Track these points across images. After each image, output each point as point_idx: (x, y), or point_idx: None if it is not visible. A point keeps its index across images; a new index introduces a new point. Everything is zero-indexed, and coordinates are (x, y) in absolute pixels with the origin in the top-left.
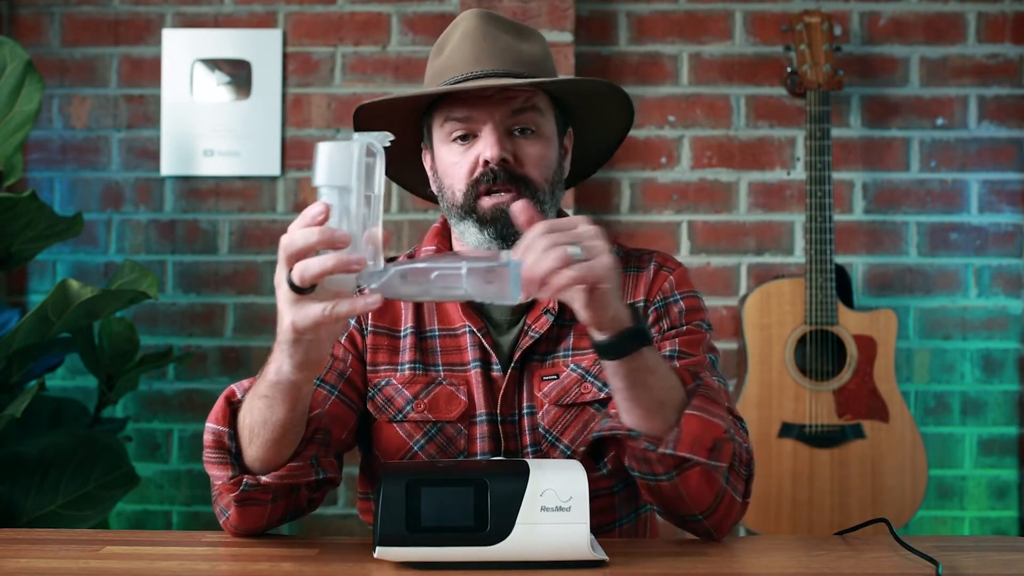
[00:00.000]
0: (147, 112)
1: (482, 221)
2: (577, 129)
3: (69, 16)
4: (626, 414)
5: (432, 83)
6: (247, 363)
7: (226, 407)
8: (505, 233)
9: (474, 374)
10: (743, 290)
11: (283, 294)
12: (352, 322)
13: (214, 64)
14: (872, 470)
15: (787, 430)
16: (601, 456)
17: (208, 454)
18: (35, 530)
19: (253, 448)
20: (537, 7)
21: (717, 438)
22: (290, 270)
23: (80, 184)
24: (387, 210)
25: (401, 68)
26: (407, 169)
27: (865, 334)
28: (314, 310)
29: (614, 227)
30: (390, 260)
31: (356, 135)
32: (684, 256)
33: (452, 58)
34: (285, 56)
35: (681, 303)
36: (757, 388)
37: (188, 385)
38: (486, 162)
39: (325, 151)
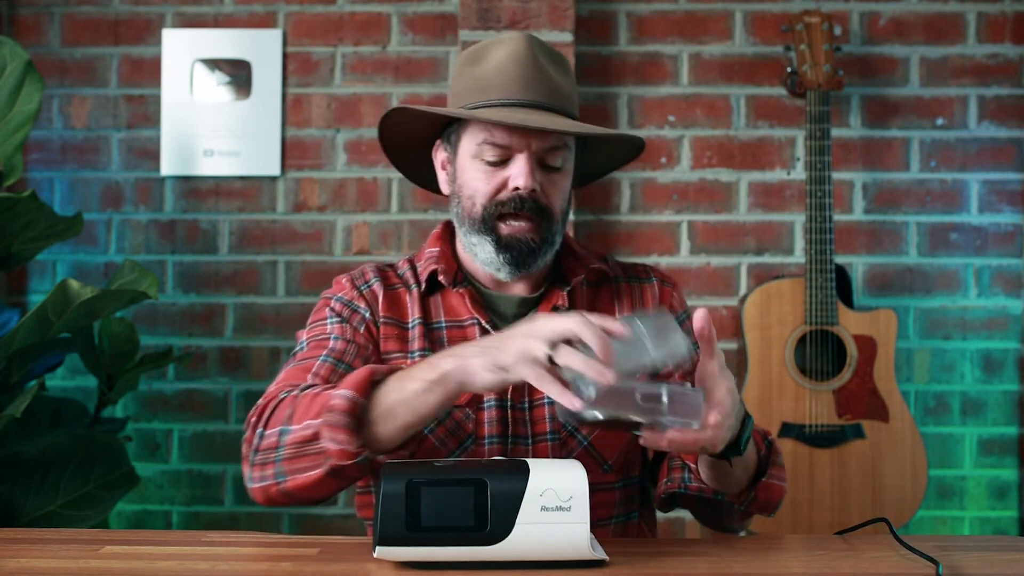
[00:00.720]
0: (147, 112)
1: (499, 243)
2: (586, 153)
3: (69, 16)
4: (712, 483)
5: (470, 93)
6: (247, 363)
7: (368, 381)
8: (519, 260)
9: None
10: (743, 290)
11: (533, 350)
12: (367, 313)
13: (214, 64)
14: (872, 470)
15: (787, 430)
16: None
17: (337, 417)
18: (35, 530)
19: (383, 426)
20: (537, 7)
21: (782, 496)
22: (556, 344)
23: (80, 184)
24: (387, 210)
25: (401, 68)
26: (409, 157)
27: (865, 334)
28: (538, 375)
29: (614, 227)
30: (383, 268)
31: (685, 345)
32: (684, 256)
33: (500, 78)
34: (285, 56)
35: (688, 322)
36: (757, 388)
37: (188, 385)
38: (516, 188)
39: (674, 331)
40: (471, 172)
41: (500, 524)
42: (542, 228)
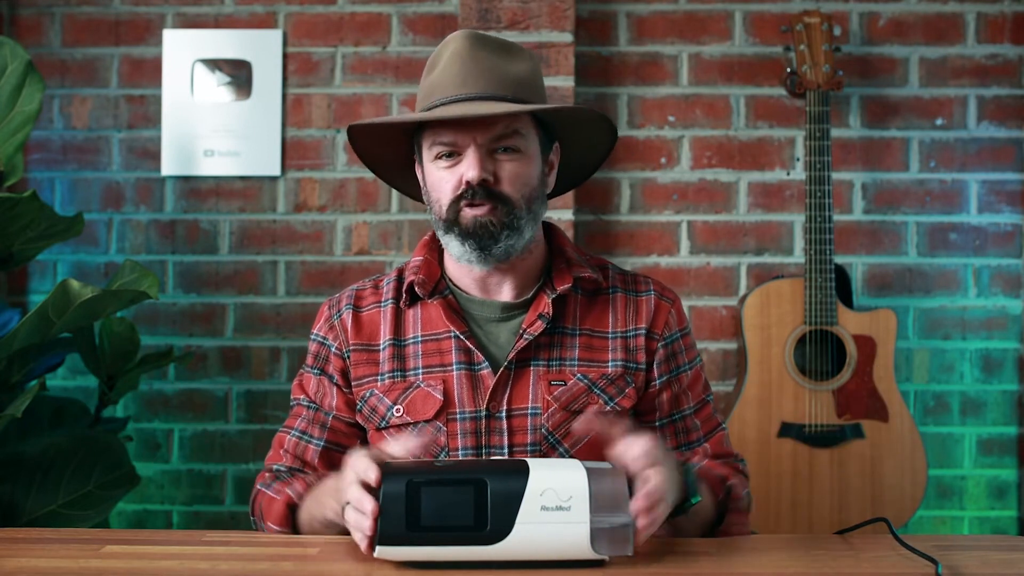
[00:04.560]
0: (147, 112)
1: (464, 234)
2: (564, 143)
3: (70, 16)
4: (667, 534)
5: (423, 102)
6: (247, 363)
7: (286, 513)
8: (483, 245)
9: (456, 374)
10: (743, 290)
11: (338, 505)
12: (334, 347)
13: (214, 64)
14: (871, 470)
15: (787, 430)
16: None
17: (277, 534)
18: (35, 529)
19: (308, 531)
20: (537, 7)
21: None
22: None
23: (81, 184)
24: (387, 210)
25: (401, 68)
26: (403, 178)
27: (864, 334)
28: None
29: (614, 227)
30: (362, 289)
31: None
32: (684, 256)
33: (441, 78)
34: (285, 56)
35: (682, 341)
36: (757, 388)
37: (188, 385)
38: (468, 182)
39: None
40: (434, 175)
41: (500, 524)
42: (500, 212)
